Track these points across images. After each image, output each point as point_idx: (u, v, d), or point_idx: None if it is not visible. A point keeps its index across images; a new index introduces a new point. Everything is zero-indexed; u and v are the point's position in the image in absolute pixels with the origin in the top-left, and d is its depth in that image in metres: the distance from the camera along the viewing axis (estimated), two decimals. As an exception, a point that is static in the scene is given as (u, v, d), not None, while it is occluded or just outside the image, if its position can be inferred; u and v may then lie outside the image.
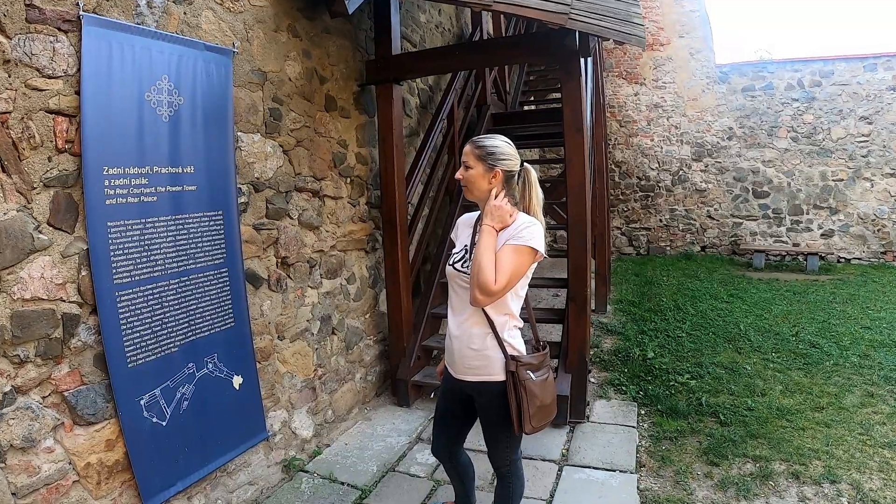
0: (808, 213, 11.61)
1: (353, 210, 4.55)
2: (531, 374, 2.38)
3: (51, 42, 2.30)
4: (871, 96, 10.96)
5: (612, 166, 12.79)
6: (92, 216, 2.44)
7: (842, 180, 11.29)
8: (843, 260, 11.43)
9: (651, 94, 12.60)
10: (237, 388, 3.21)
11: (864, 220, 11.22)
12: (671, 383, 5.14)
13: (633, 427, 4.32)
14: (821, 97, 11.28)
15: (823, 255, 11.17)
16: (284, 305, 3.71)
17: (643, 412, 4.64)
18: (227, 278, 3.13)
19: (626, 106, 12.78)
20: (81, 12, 2.37)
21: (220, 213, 3.09)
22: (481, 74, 7.22)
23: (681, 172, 12.46)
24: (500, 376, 2.38)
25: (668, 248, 12.70)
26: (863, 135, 11.06)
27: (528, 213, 2.43)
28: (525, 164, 2.48)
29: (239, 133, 3.32)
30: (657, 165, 12.66)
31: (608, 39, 3.56)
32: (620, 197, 12.96)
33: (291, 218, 3.78)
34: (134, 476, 2.63)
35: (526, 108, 8.63)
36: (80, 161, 2.42)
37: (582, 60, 4.06)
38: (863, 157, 11.10)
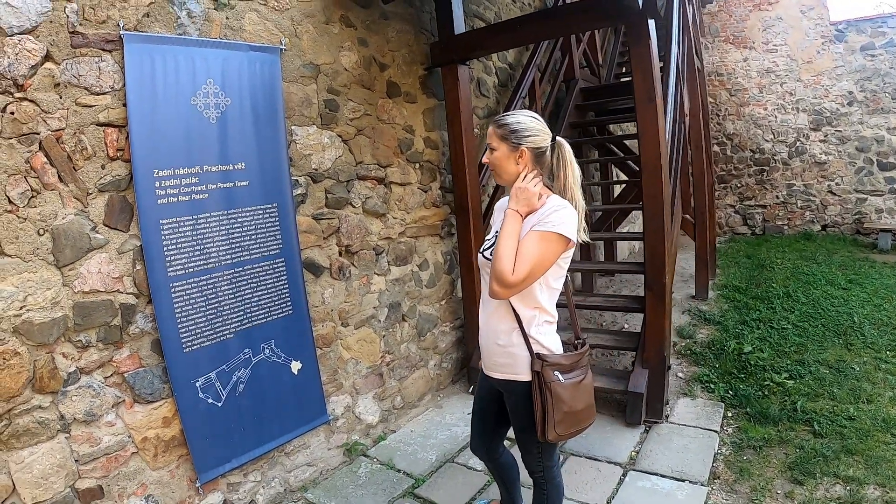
0: None
1: (425, 196, 4.58)
2: (559, 376, 2.15)
3: (96, 62, 2.51)
4: None
5: (724, 139, 12.06)
6: (144, 215, 2.64)
7: None
8: None
9: (762, 59, 11.61)
10: (296, 373, 3.34)
11: None
12: (766, 382, 4.63)
13: (716, 432, 3.92)
14: None
15: None
16: (348, 293, 3.81)
17: (730, 414, 4.22)
18: (283, 268, 3.26)
19: (736, 73, 11.89)
20: (122, 32, 2.56)
21: (274, 205, 3.21)
22: (567, 47, 7.00)
23: (798, 144, 11.40)
24: (526, 376, 2.18)
25: (786, 226, 11.70)
26: None
27: (564, 193, 2.21)
28: (558, 138, 2.23)
29: (293, 126, 3.43)
30: (772, 136, 11.68)
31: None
32: (733, 172, 12.12)
33: (354, 206, 3.86)
34: (189, 451, 2.84)
35: (623, 80, 8.27)
36: (130, 166, 2.61)
37: (651, 22, 3.80)
38: None
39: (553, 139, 2.20)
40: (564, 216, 2.07)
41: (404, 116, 4.36)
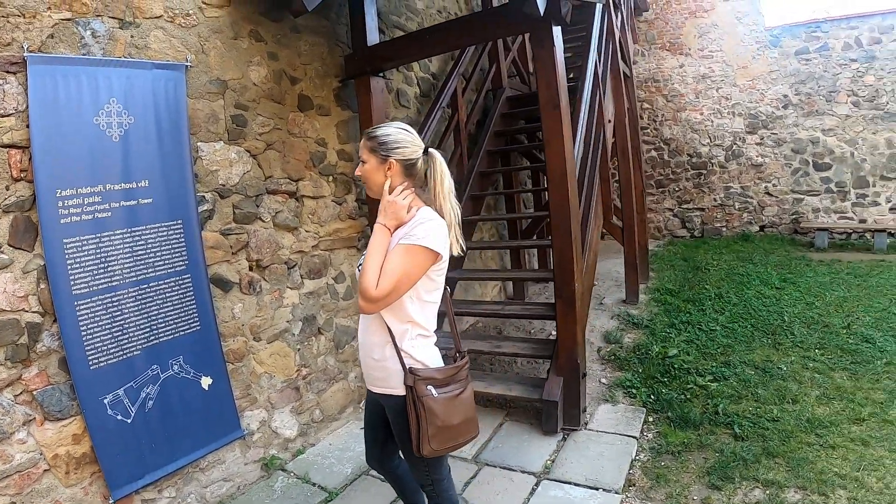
0: (874, 186, 11.09)
1: (339, 208, 4.88)
2: (432, 390, 2.27)
3: (0, 85, 2.73)
4: None
5: (661, 144, 12.84)
6: (47, 235, 2.87)
7: None
8: None
9: (697, 65, 12.46)
10: (206, 388, 3.59)
11: None
12: (689, 386, 4.94)
13: (635, 437, 4.17)
14: (882, 55, 10.76)
15: (893, 231, 10.62)
16: (259, 308, 4.08)
17: (651, 420, 4.48)
18: (189, 284, 3.52)
19: (672, 79, 12.69)
20: (26, 54, 2.79)
21: (179, 222, 3.47)
22: (495, 56, 7.44)
23: (734, 147, 12.27)
24: (400, 390, 2.30)
25: (724, 228, 12.53)
26: None
27: (435, 205, 2.35)
28: (431, 150, 2.37)
29: (199, 143, 3.69)
30: (708, 140, 12.51)
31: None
32: (671, 176, 12.91)
33: (264, 221, 4.14)
34: (101, 468, 3.06)
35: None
36: (34, 187, 2.84)
37: (556, 29, 4.10)
38: None
39: (425, 151, 2.37)
40: (430, 229, 2.21)
41: (317, 129, 4.67)
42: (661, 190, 13.08)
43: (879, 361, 5.16)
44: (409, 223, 2.26)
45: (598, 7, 6.33)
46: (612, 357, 5.70)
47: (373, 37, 4.84)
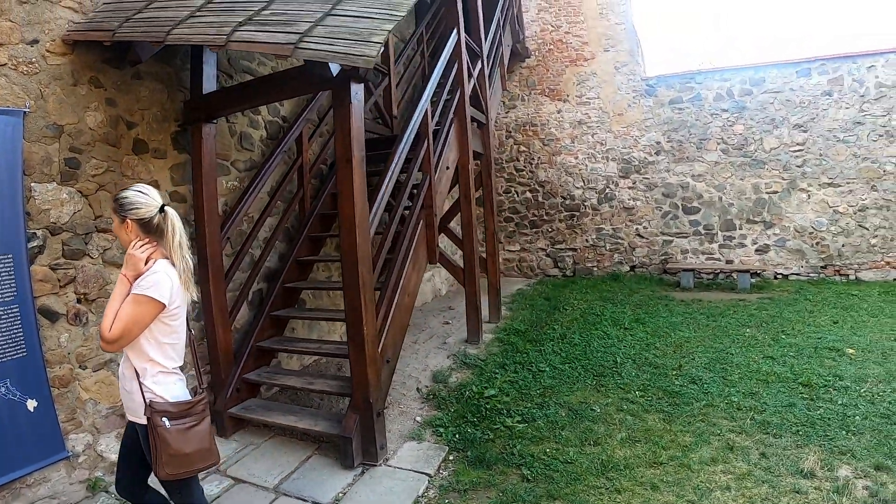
0: (740, 228, 13.00)
1: (171, 246, 5.78)
2: (165, 421, 2.96)
3: None
4: (806, 103, 12.36)
5: (536, 186, 14.56)
6: None
7: (776, 192, 12.66)
8: (780, 276, 12.70)
9: (575, 111, 14.30)
10: (31, 410, 4.42)
11: (802, 234, 12.51)
12: (496, 426, 5.68)
13: (428, 475, 4.87)
14: (752, 106, 12.76)
15: (758, 271, 12.49)
16: (85, 338, 4.95)
17: (452, 458, 5.18)
18: (17, 313, 4.36)
19: (549, 124, 14.49)
20: None
21: (9, 256, 4.33)
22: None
23: (607, 190, 14.06)
24: (143, 420, 3.00)
25: (596, 268, 14.25)
26: (797, 144, 12.44)
27: (170, 257, 3.10)
28: (167, 208, 3.10)
29: (33, 183, 4.59)
30: (582, 184, 14.27)
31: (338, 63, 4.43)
32: (545, 217, 14.65)
33: (92, 257, 5.03)
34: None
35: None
36: None
37: (356, 87, 4.88)
38: (798, 167, 12.45)
39: (161, 209, 3.09)
40: (154, 280, 2.95)
41: (150, 172, 5.63)
42: (535, 230, 14.82)
43: (699, 403, 5.99)
44: (144, 274, 3.01)
45: (443, 60, 7.50)
46: (433, 396, 6.52)
47: (209, 85, 5.87)
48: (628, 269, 13.98)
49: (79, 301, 4.92)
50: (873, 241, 11.97)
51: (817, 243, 12.39)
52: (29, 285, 4.46)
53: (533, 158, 14.66)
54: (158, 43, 4.65)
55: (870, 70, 11.92)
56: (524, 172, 14.81)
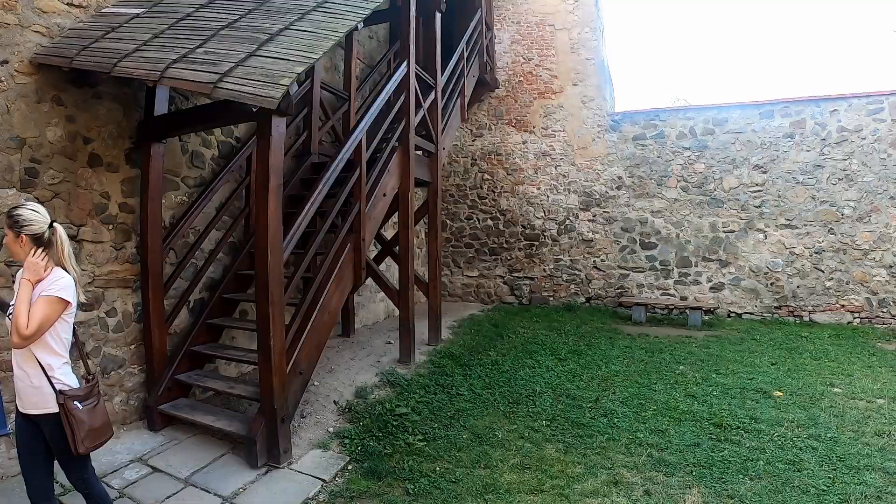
0: (696, 266, 13.91)
1: (118, 252, 6.72)
2: (78, 404, 3.63)
3: None
4: (767, 144, 13.25)
5: (497, 214, 15.61)
6: None
7: (733, 231, 13.53)
8: (733, 314, 13.47)
9: (540, 143, 15.38)
10: (-23, 389, 5.31)
11: (757, 274, 13.30)
12: (398, 442, 6.32)
13: (322, 480, 5.59)
14: (713, 145, 13.72)
15: (712, 309, 13.26)
16: (31, 327, 5.82)
17: (350, 468, 5.86)
18: (-29, 301, 5.26)
19: (514, 154, 15.58)
20: None
21: None
22: (308, 123, 9.63)
23: (567, 222, 15.08)
24: (54, 408, 3.59)
25: (552, 298, 15.21)
26: (756, 184, 13.31)
27: (63, 266, 3.74)
28: (55, 224, 3.77)
29: (-7, 189, 5.50)
30: (543, 214, 15.32)
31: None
32: (504, 245, 15.67)
33: (41, 257, 5.92)
34: None
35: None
36: None
37: (277, 120, 5.63)
38: (756, 207, 13.30)
39: (50, 225, 3.75)
40: (63, 284, 3.63)
41: (103, 184, 6.56)
42: (494, 257, 15.84)
43: (602, 437, 6.53)
44: (46, 279, 3.64)
45: (386, 91, 8.50)
46: (349, 410, 7.20)
47: (160, 107, 6.82)
48: (584, 300, 14.86)
49: (27, 295, 5.81)
50: (828, 283, 12.73)
51: (772, 284, 13.18)
52: (-17, 277, 5.38)
53: (496, 187, 15.72)
54: (106, 73, 5.60)
55: (832, 114, 12.75)
56: (487, 200, 15.86)
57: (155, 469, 5.86)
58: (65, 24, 6.24)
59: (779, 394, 7.98)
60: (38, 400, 3.64)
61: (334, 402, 7.48)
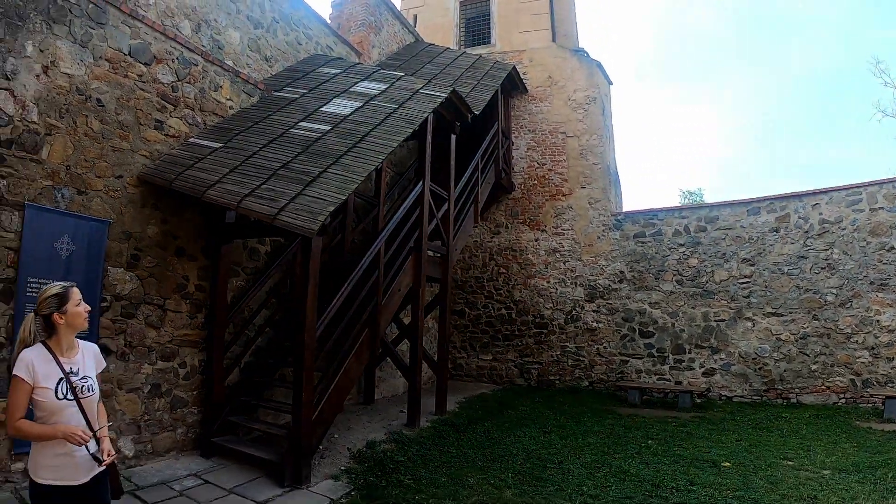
0: (689, 353, 15.39)
1: (191, 321, 8.91)
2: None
3: (9, 216, 6.67)
4: (754, 238, 14.83)
5: (511, 304, 17.65)
6: (19, 298, 6.72)
7: (723, 320, 15.00)
8: (724, 398, 14.73)
9: (550, 240, 17.43)
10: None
11: (746, 359, 14.64)
12: (392, 479, 8.10)
13: (331, 499, 7.37)
14: (706, 241, 15.41)
15: (703, 392, 14.58)
16: (125, 370, 7.92)
17: (353, 494, 7.55)
18: (89, 346, 7.43)
19: (527, 250, 17.67)
20: (25, 202, 6.79)
21: (89, 308, 7.39)
22: (343, 226, 12.02)
23: (574, 312, 16.93)
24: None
25: (558, 381, 16.87)
26: (745, 276, 14.85)
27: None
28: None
29: (109, 267, 7.70)
30: (552, 305, 17.23)
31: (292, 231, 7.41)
32: (516, 333, 17.57)
33: (139, 319, 8.10)
34: None
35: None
36: (16, 272, 6.73)
37: (315, 239, 7.78)
38: (744, 297, 14.79)
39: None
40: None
41: (184, 269, 8.83)
42: (507, 343, 17.70)
43: (552, 487, 7.91)
44: None
45: (404, 207, 10.82)
46: (359, 455, 9.09)
47: (229, 216, 9.13)
48: (587, 384, 16.43)
49: (125, 345, 7.91)
50: (814, 366, 13.91)
51: (760, 368, 14.49)
52: (97, 329, 7.50)
53: (510, 279, 17.74)
54: (198, 197, 7.86)
55: (814, 208, 14.23)
56: (502, 291, 17.83)
57: (206, 482, 7.79)
58: (162, 149, 8.56)
59: (727, 464, 8.85)
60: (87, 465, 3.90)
61: (348, 449, 9.45)
